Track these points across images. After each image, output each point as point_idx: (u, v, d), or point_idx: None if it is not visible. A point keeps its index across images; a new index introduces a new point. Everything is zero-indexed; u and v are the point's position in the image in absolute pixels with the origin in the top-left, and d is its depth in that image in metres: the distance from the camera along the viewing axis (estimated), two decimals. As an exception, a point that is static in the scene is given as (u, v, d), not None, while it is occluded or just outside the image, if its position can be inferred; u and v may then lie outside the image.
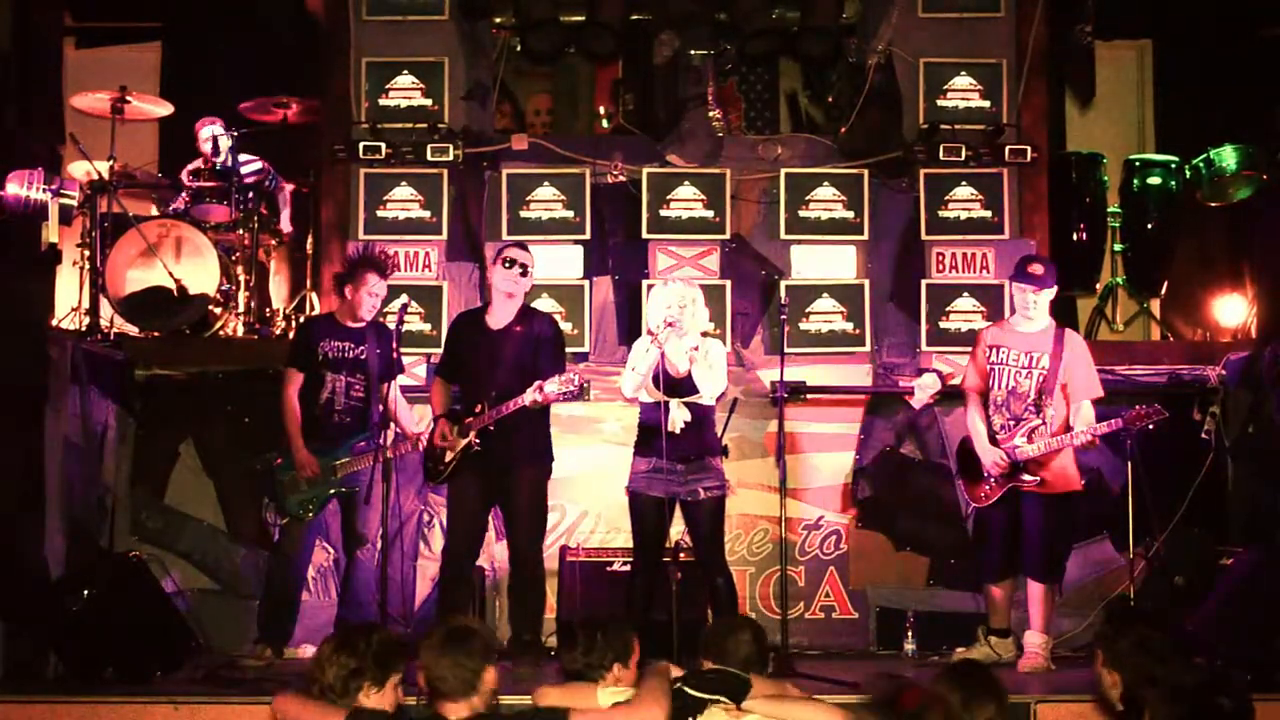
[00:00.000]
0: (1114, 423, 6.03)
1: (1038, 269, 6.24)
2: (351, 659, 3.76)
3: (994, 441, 6.18)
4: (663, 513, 6.07)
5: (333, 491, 6.38)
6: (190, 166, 7.98)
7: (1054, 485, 6.13)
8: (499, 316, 6.22)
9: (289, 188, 8.23)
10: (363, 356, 6.42)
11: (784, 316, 6.75)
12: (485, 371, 6.12)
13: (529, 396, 5.92)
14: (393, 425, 6.30)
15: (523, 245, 6.37)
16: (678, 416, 6.01)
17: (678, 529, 6.21)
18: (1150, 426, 6.06)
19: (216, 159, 7.90)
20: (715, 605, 6.14)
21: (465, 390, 6.23)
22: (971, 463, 6.30)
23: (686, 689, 4.08)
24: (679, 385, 6.04)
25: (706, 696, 4.04)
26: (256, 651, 6.28)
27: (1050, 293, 6.24)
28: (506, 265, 6.17)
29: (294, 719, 3.81)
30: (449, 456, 6.13)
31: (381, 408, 6.22)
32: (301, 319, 7.67)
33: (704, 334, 6.26)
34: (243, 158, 7.96)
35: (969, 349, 6.61)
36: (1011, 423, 6.17)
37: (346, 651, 3.77)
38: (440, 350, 6.72)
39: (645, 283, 7.42)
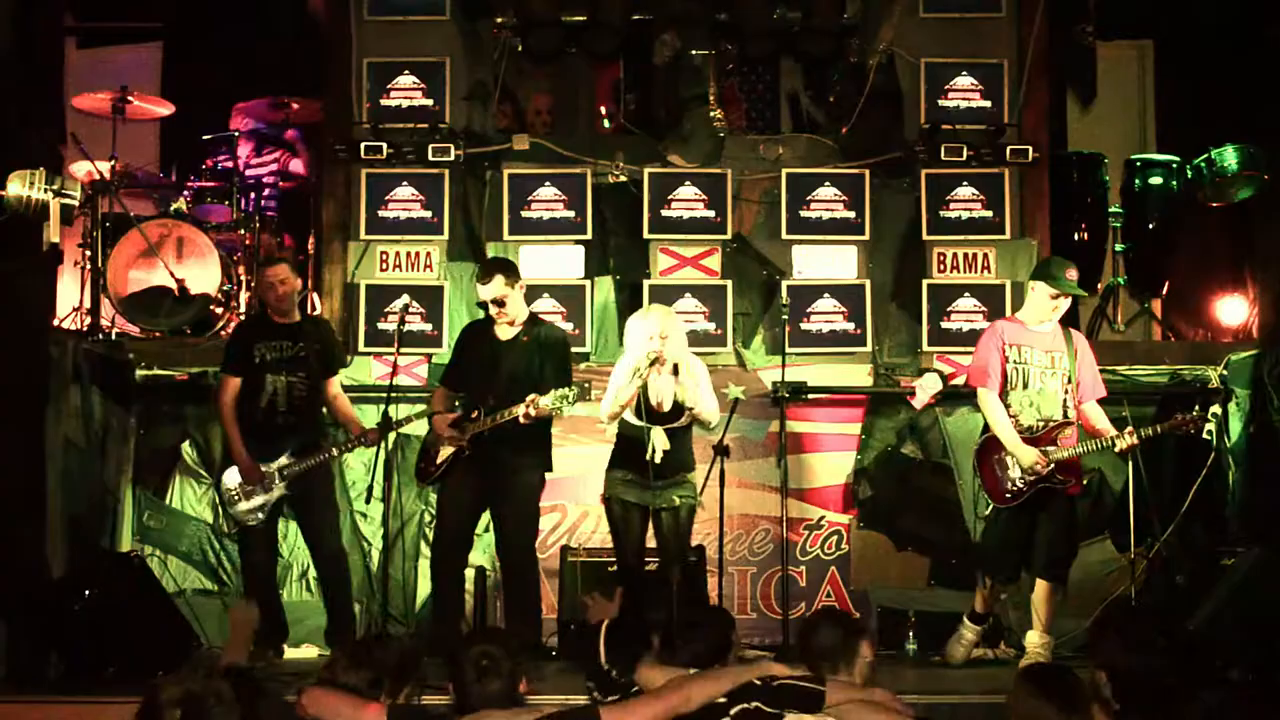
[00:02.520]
0: (1156, 428, 6.00)
1: (1074, 275, 6.13)
2: (370, 670, 3.81)
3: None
4: (641, 518, 6.15)
5: (280, 495, 6.31)
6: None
7: (1074, 486, 6.09)
8: (506, 328, 6.26)
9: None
10: (302, 354, 6.35)
11: (785, 317, 6.74)
12: (487, 380, 6.15)
13: (521, 410, 5.93)
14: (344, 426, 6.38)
15: (486, 270, 6.30)
16: (658, 444, 6.04)
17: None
18: (1191, 432, 6.06)
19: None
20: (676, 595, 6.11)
21: (469, 397, 6.27)
22: (996, 460, 6.11)
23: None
24: (661, 414, 6.10)
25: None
26: (257, 654, 6.27)
27: None
28: (481, 307, 6.30)
29: (332, 712, 3.82)
30: (441, 458, 6.14)
31: (326, 407, 6.26)
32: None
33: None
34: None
35: (970, 349, 6.52)
36: (1042, 424, 6.04)
37: (366, 665, 3.84)
38: (448, 354, 6.72)
39: (646, 282, 7.42)
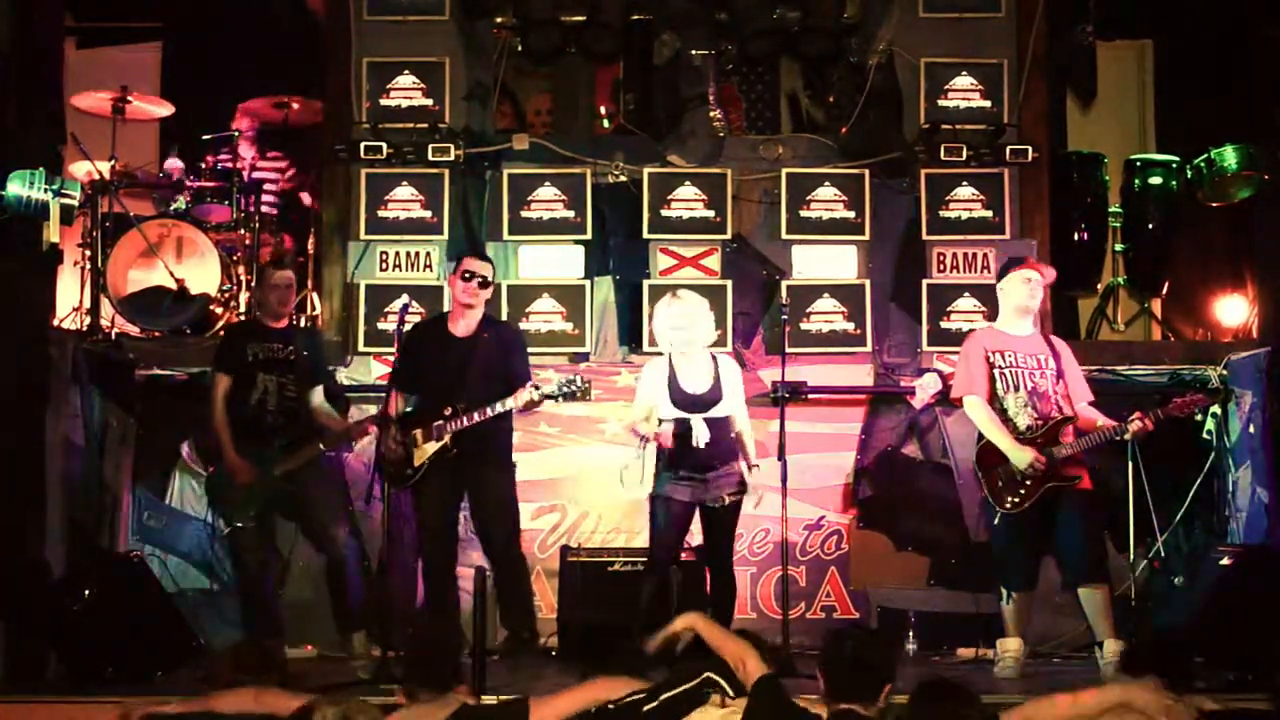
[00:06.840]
0: (1158, 412, 5.93)
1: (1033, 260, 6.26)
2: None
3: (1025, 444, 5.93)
4: (687, 518, 6.11)
5: (271, 493, 6.33)
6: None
7: (1085, 481, 5.99)
8: (463, 325, 6.29)
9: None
10: (292, 357, 6.43)
11: (785, 316, 6.74)
12: (454, 378, 6.16)
13: (524, 397, 5.98)
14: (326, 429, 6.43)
15: (482, 255, 6.48)
16: (700, 433, 6.02)
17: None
18: (1197, 414, 6.05)
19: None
20: (717, 605, 6.12)
21: (427, 397, 6.26)
22: (998, 469, 5.99)
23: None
24: (697, 402, 6.07)
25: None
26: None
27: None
28: (465, 278, 6.25)
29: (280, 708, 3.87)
30: (419, 460, 6.14)
31: (312, 414, 6.33)
32: (303, 321, 7.65)
33: (713, 347, 6.32)
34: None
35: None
36: (1041, 423, 5.97)
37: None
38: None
39: (646, 282, 7.42)
